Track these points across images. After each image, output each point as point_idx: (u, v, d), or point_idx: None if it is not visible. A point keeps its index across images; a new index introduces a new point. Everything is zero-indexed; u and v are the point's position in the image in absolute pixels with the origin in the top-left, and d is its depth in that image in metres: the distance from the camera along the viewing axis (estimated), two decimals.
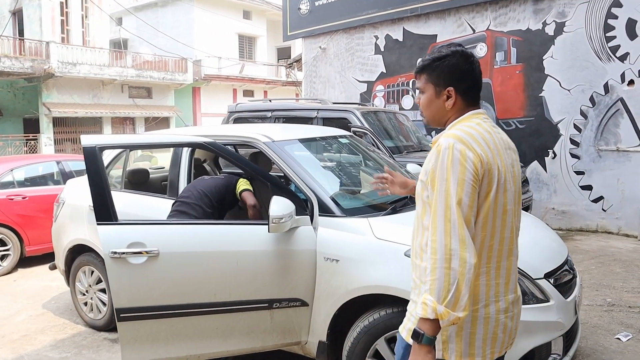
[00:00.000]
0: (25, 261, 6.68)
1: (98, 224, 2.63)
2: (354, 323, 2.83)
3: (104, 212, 2.63)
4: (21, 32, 20.43)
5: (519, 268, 2.73)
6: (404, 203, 3.29)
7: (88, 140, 2.70)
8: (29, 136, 19.22)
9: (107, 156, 4.40)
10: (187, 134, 3.47)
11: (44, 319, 4.70)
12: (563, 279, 2.97)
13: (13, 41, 18.48)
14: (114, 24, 24.34)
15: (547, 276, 2.81)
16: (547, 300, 2.71)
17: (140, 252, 2.64)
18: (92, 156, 2.66)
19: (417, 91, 1.83)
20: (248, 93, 27.04)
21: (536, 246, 3.06)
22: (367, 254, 2.78)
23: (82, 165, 6.89)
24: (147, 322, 2.73)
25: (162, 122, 23.22)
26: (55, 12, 20.14)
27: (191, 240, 2.74)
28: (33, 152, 18.64)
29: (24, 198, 6.65)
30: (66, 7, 20.83)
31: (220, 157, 3.09)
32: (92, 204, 2.69)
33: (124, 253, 2.62)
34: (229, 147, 3.51)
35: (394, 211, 3.13)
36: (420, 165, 5.08)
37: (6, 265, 6.45)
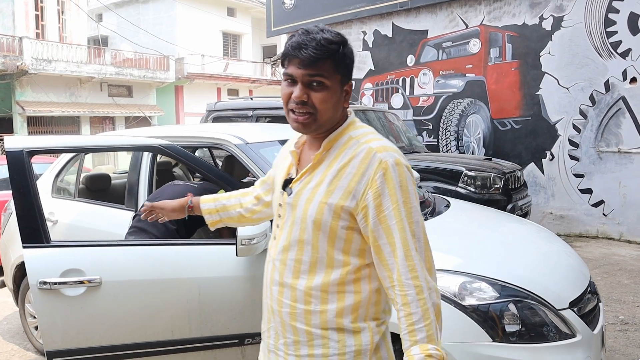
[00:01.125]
0: None
1: (24, 247, 2.11)
2: None
3: (32, 232, 2.11)
4: None
5: (539, 296, 2.30)
6: None
7: (13, 142, 2.18)
8: (2, 136, 18.43)
9: (61, 158, 3.88)
10: (147, 134, 2.95)
11: None
12: (588, 306, 2.52)
13: None
14: (93, 20, 23.61)
15: (572, 305, 2.36)
16: (574, 335, 2.26)
17: (77, 282, 2.12)
18: (18, 162, 2.14)
19: (299, 83, 1.32)
20: (233, 92, 26.44)
21: (557, 269, 2.61)
22: None
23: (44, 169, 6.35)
24: None
25: (143, 122, 22.53)
26: (30, 7, 19.34)
27: (142, 265, 2.22)
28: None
29: None
30: (41, 2, 20.05)
31: (177, 161, 2.56)
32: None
33: (56, 283, 2.10)
34: (189, 149, 2.99)
35: None
36: (421, 171, 4.61)
37: None
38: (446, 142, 8.55)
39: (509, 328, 2.20)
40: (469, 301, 2.22)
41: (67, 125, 20.39)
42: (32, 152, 2.21)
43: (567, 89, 7.32)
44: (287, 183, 1.42)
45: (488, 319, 2.18)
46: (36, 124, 19.36)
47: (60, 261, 2.13)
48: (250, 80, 26.86)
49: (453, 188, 5.54)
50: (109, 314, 2.18)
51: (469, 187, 5.56)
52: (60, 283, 2.10)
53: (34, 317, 3.82)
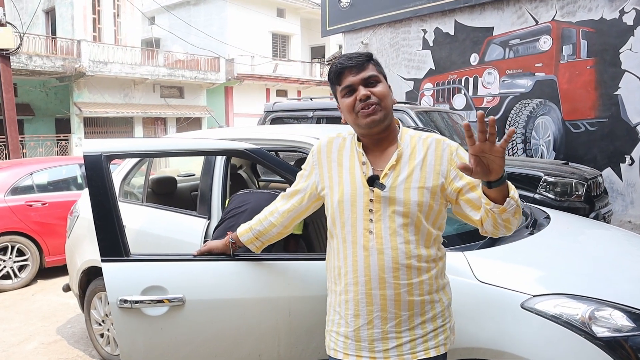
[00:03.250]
0: (45, 272, 6.13)
1: (103, 261, 1.94)
2: None
3: (112, 244, 1.93)
4: (54, 31, 20.26)
5: None
6: None
7: (92, 146, 2.01)
8: (60, 136, 18.99)
9: (128, 160, 3.75)
10: (222, 137, 2.76)
11: (56, 348, 4.08)
12: None
13: (45, 40, 18.27)
14: (146, 22, 24.07)
15: None
16: None
17: (160, 301, 1.93)
18: (96, 167, 1.97)
19: (359, 86, 1.63)
20: (281, 93, 26.45)
21: None
22: (467, 304, 2.02)
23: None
24: None
25: (194, 123, 22.81)
26: (87, 11, 19.88)
27: (226, 282, 2.01)
28: (64, 153, 18.40)
29: (43, 204, 6.10)
30: (98, 6, 20.56)
31: (267, 168, 2.34)
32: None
33: (137, 302, 1.91)
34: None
35: (494, 241, 2.36)
36: None
37: (25, 277, 5.92)
38: (513, 144, 8.10)
39: None
40: (600, 332, 1.90)
41: (121, 125, 20.84)
42: (111, 157, 2.04)
43: None
44: (372, 180, 1.60)
45: (624, 353, 1.86)
46: (92, 124, 19.87)
47: (141, 277, 1.95)
48: (299, 81, 26.80)
49: (531, 195, 5.15)
50: (192, 335, 1.97)
51: (548, 194, 5.16)
52: (141, 302, 1.91)
53: (100, 324, 3.71)
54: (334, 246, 1.71)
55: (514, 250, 2.35)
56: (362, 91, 1.60)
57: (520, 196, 5.14)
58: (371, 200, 1.61)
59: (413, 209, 1.59)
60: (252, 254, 2.01)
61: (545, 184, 5.19)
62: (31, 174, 6.27)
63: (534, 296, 1.96)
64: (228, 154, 2.53)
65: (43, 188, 6.32)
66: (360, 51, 1.71)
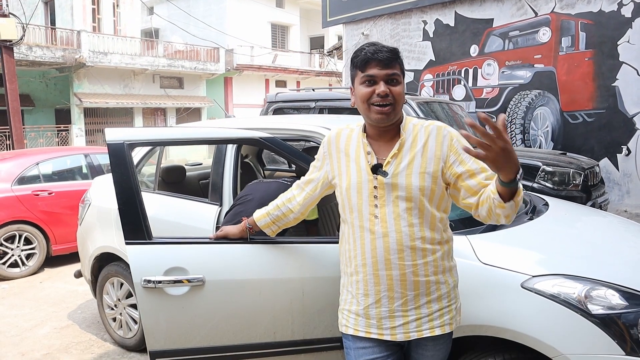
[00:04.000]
0: (52, 260, 6.24)
1: (127, 244, 2.05)
2: None
3: (135, 228, 2.04)
4: (53, 22, 20.22)
5: None
6: None
7: (115, 134, 2.11)
8: (60, 127, 19.02)
9: (140, 149, 3.85)
10: (234, 126, 2.86)
11: (68, 332, 4.20)
12: None
13: (45, 30, 18.24)
14: (146, 12, 24.01)
15: None
16: None
17: (181, 281, 2.04)
18: (119, 155, 2.08)
19: (381, 82, 1.68)
20: (281, 83, 26.46)
21: None
22: (471, 284, 2.13)
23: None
24: None
25: (193, 113, 22.84)
26: (87, 1, 19.84)
27: (243, 264, 2.12)
28: (65, 143, 18.44)
29: (50, 194, 6.20)
30: None
31: (281, 156, 2.45)
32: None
33: (160, 282, 2.02)
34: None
35: (495, 226, 2.47)
36: None
37: (32, 265, 6.04)
38: (511, 135, 8.21)
39: None
40: (596, 309, 2.02)
41: (121, 116, 20.87)
42: (133, 145, 2.14)
43: None
44: (375, 168, 1.70)
45: (618, 330, 1.98)
46: (92, 115, 19.90)
47: (163, 259, 2.06)
48: (299, 71, 26.81)
49: (529, 184, 5.26)
50: (211, 314, 2.09)
51: (545, 183, 5.28)
52: (164, 282, 2.03)
53: (112, 309, 3.83)
54: (345, 231, 1.82)
55: (514, 235, 2.46)
56: (382, 87, 1.66)
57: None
58: (375, 187, 1.70)
59: (415, 194, 1.67)
60: (267, 237, 2.12)
61: (543, 173, 5.30)
62: (37, 164, 6.36)
63: (533, 276, 2.08)
64: (244, 142, 2.64)
65: (49, 178, 6.42)
66: (392, 47, 1.72)
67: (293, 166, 4.69)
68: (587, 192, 5.40)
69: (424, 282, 1.73)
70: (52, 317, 4.58)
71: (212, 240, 2.14)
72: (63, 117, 19.88)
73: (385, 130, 1.76)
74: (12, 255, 5.92)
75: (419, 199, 1.69)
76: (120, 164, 2.08)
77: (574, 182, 5.32)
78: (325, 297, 2.15)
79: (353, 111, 5.91)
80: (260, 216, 2.08)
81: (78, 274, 4.37)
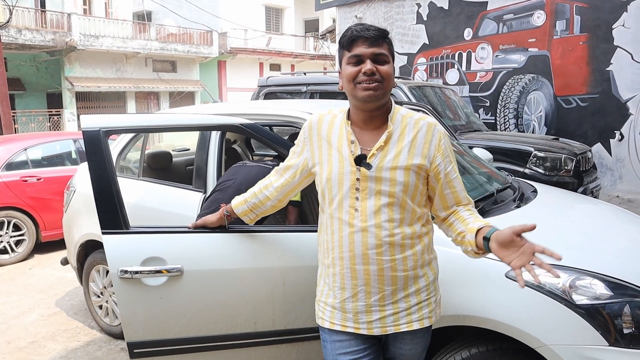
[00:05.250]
0: (42, 247, 6.21)
1: (104, 234, 2.00)
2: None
3: (112, 217, 2.00)
4: (43, 4, 19.90)
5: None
6: (492, 202, 2.60)
7: (90, 121, 2.05)
8: (52, 111, 18.84)
9: (124, 135, 3.79)
10: (217, 112, 2.80)
11: (56, 320, 4.17)
12: None
13: (35, 13, 17.97)
14: None
15: None
16: None
17: (158, 271, 2.00)
18: (95, 142, 2.02)
19: (367, 60, 1.62)
20: (275, 67, 26.25)
21: None
22: (454, 273, 2.10)
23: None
24: (168, 359, 2.11)
25: (187, 97, 22.66)
26: None
27: (223, 253, 2.08)
28: (56, 128, 18.28)
29: (38, 179, 6.14)
30: None
31: (261, 142, 2.39)
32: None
33: (137, 272, 1.98)
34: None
35: (482, 214, 2.43)
36: (489, 151, 4.32)
37: (21, 252, 6.00)
38: (504, 120, 8.16)
39: (626, 330, 1.97)
40: (580, 300, 1.99)
41: (114, 100, 20.69)
42: (109, 132, 2.08)
43: None
44: (359, 160, 1.63)
45: (602, 320, 1.96)
46: (84, 99, 19.70)
47: (140, 249, 2.01)
48: (293, 55, 26.58)
49: (520, 169, 5.23)
50: (190, 304, 2.06)
51: (537, 169, 5.25)
52: (141, 272, 1.98)
53: (98, 296, 3.80)
54: (323, 220, 1.76)
55: (500, 223, 2.40)
56: (369, 65, 1.59)
57: (510, 171, 5.16)
58: (358, 179, 1.64)
59: (398, 189, 1.63)
60: (246, 226, 2.08)
61: (535, 158, 5.27)
62: (25, 150, 6.29)
63: None
64: (223, 129, 2.58)
65: (38, 163, 6.35)
66: (378, 26, 1.67)
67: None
68: (578, 177, 5.38)
69: (403, 276, 1.69)
70: (40, 304, 4.55)
71: (191, 229, 2.10)
72: (55, 101, 19.69)
73: (371, 116, 1.68)
74: (1, 241, 5.88)
75: (402, 195, 1.64)
76: (96, 151, 2.03)
77: (566, 167, 5.29)
78: (307, 287, 2.11)
79: (345, 96, 5.85)
80: (238, 203, 2.01)
81: (64, 262, 4.34)
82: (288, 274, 2.12)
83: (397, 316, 1.70)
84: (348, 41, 1.63)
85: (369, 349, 1.75)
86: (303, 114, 2.60)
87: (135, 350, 2.05)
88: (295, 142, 1.90)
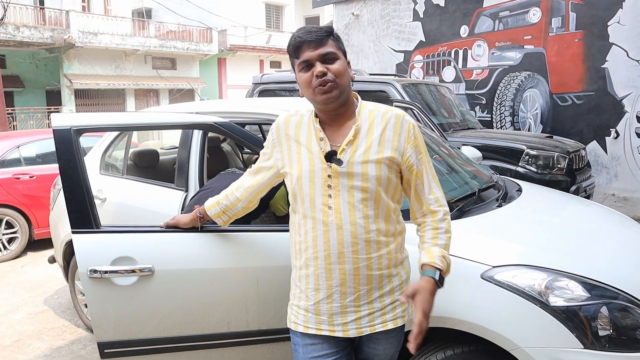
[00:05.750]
0: (36, 244, 6.19)
1: (73, 233, 1.98)
2: None
3: (81, 216, 1.98)
4: (42, 2, 19.89)
5: (632, 296, 2.04)
6: (473, 201, 2.57)
7: (61, 120, 2.02)
8: (50, 108, 18.84)
9: (110, 133, 3.77)
10: (195, 110, 2.77)
11: (42, 318, 4.16)
12: None
13: (33, 10, 17.96)
14: None
15: None
16: None
17: (128, 271, 1.98)
18: (66, 142, 2.00)
19: (316, 62, 1.61)
20: (275, 64, 26.21)
21: None
22: None
23: (94, 142, 6.33)
24: (139, 359, 2.09)
25: (186, 94, 22.64)
26: None
27: (195, 253, 2.06)
28: None
29: (31, 177, 6.13)
30: None
31: (235, 141, 2.38)
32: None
33: (107, 272, 1.96)
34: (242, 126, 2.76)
35: (462, 213, 2.41)
36: (477, 149, 4.29)
37: (14, 249, 5.99)
38: (500, 117, 8.13)
39: (602, 332, 1.94)
40: (556, 302, 1.96)
41: (113, 97, 20.68)
42: (81, 130, 2.06)
43: (637, 61, 6.78)
44: (329, 156, 1.61)
45: (577, 322, 1.93)
46: (83, 96, 19.70)
47: (110, 248, 1.99)
48: None
49: (513, 168, 5.20)
50: (161, 304, 2.03)
51: (530, 167, 5.22)
52: (111, 272, 1.96)
53: (84, 295, 3.78)
54: (295, 221, 1.73)
55: (480, 223, 2.40)
56: (319, 67, 1.58)
57: (503, 169, 5.13)
58: (329, 176, 1.62)
59: (372, 183, 1.61)
60: (220, 226, 2.05)
61: (527, 157, 5.24)
62: (18, 147, 6.27)
63: (493, 267, 2.01)
64: (197, 127, 2.56)
65: (31, 161, 6.34)
66: (322, 25, 1.69)
67: None
68: (571, 176, 5.35)
69: (377, 275, 1.67)
70: (28, 302, 4.54)
71: (162, 228, 2.07)
72: (54, 98, 19.69)
73: (337, 114, 1.67)
74: None
75: (375, 189, 1.62)
76: (67, 150, 2.00)
77: (559, 165, 5.26)
78: (281, 287, 2.08)
79: None
80: (211, 205, 1.99)
81: (52, 260, 4.32)
82: (262, 274, 2.10)
83: (372, 316, 1.69)
84: (294, 48, 1.63)
85: (341, 351, 1.73)
86: (278, 111, 2.58)
87: (105, 350, 2.03)
88: (264, 144, 1.87)
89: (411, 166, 1.66)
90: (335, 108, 1.65)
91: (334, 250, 1.63)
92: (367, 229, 1.63)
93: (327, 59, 1.60)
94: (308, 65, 1.61)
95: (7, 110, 12.38)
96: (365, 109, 1.69)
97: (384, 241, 1.66)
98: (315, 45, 1.60)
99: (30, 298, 4.64)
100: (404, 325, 1.79)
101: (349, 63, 1.70)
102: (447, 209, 1.74)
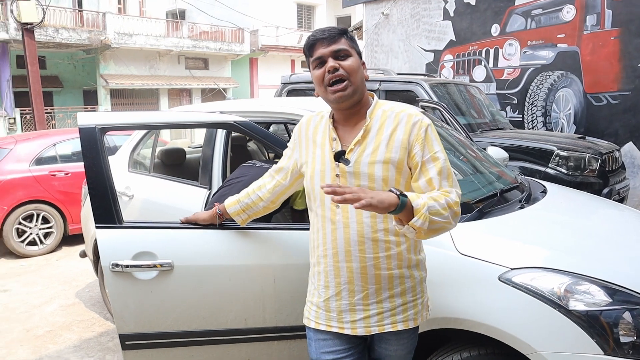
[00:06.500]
0: (69, 239, 6.40)
1: (97, 228, 2.05)
2: None
3: (104, 212, 2.04)
4: (80, 4, 20.46)
5: None
6: (493, 202, 2.54)
7: (87, 119, 2.09)
8: (87, 108, 19.38)
9: (138, 132, 3.86)
10: (218, 110, 2.82)
11: (73, 310, 4.30)
12: None
13: (72, 13, 18.49)
14: None
15: None
16: None
17: (149, 265, 2.03)
18: (90, 140, 2.06)
19: (329, 58, 1.64)
20: (306, 64, 26.29)
21: None
22: (446, 275, 2.06)
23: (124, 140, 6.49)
24: (159, 351, 2.15)
25: (218, 94, 22.94)
26: None
27: (213, 249, 2.10)
28: None
29: (66, 174, 6.33)
30: None
31: (256, 140, 2.41)
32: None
33: (128, 266, 2.02)
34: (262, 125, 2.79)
35: (482, 214, 2.38)
36: (506, 149, 4.22)
37: (50, 244, 6.21)
38: (532, 118, 7.97)
39: (623, 339, 1.89)
40: (576, 306, 1.92)
41: (147, 97, 21.11)
42: (105, 129, 2.12)
43: None
44: (338, 156, 1.64)
45: (598, 328, 1.88)
46: (118, 96, 20.18)
47: (132, 243, 2.05)
48: None
49: (542, 169, 5.10)
50: (180, 299, 2.08)
51: (560, 168, 5.10)
52: (132, 266, 2.02)
53: None
54: (311, 219, 1.77)
55: (500, 224, 2.37)
56: (331, 63, 1.61)
57: (532, 170, 5.03)
58: (337, 176, 1.64)
59: (378, 184, 1.61)
60: (237, 224, 2.09)
61: (557, 158, 5.12)
62: (54, 145, 6.48)
63: (512, 269, 1.98)
64: (217, 126, 2.60)
65: (66, 158, 6.54)
66: (336, 26, 1.73)
67: None
68: (604, 178, 5.20)
69: (386, 275, 1.67)
70: (61, 294, 4.69)
71: (181, 224, 2.12)
72: (90, 98, 20.24)
73: (350, 113, 1.69)
74: (31, 233, 6.09)
75: (382, 190, 1.60)
76: (92, 148, 2.07)
77: (590, 167, 5.12)
78: (298, 285, 2.10)
79: None
80: (231, 203, 2.03)
81: (83, 254, 4.46)
82: (278, 272, 2.13)
83: (381, 316, 1.69)
84: (308, 47, 1.68)
85: (353, 349, 1.74)
86: (301, 111, 2.60)
87: (126, 342, 2.09)
88: (288, 144, 1.91)
89: (417, 164, 1.64)
90: (349, 107, 1.66)
91: (341, 249, 1.65)
92: (374, 228, 1.63)
93: (340, 55, 1.63)
94: (321, 62, 1.64)
95: (46, 109, 12.78)
96: (380, 109, 1.70)
97: (393, 241, 1.65)
98: (328, 43, 1.63)
99: (63, 291, 4.79)
100: (416, 328, 1.79)
101: (363, 63, 1.71)
102: (457, 200, 1.59)
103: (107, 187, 2.05)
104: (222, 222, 2.11)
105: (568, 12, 7.47)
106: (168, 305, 2.07)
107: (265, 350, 2.21)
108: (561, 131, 7.66)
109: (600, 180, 5.16)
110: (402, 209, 1.44)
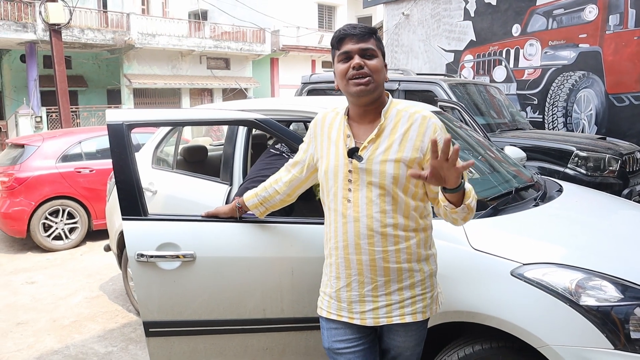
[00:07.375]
0: (93, 234, 6.56)
1: (123, 219, 2.14)
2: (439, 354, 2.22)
3: (130, 204, 2.13)
4: (105, 5, 20.85)
5: None
6: (508, 200, 2.58)
7: (114, 115, 2.19)
8: (111, 107, 19.72)
9: (161, 129, 3.97)
10: (238, 108, 2.91)
11: (97, 302, 4.43)
12: None
13: (97, 14, 18.86)
14: None
15: None
16: None
17: (173, 256, 2.12)
18: (118, 135, 2.16)
19: (355, 55, 1.68)
20: (327, 64, 26.35)
21: None
22: (460, 270, 2.11)
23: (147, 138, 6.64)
24: (181, 339, 2.24)
25: (239, 94, 23.13)
26: None
27: (233, 242, 2.18)
28: None
29: (91, 171, 6.50)
30: None
31: (275, 137, 2.49)
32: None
33: (153, 256, 2.11)
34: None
35: (496, 211, 2.43)
36: (525, 149, 4.22)
37: (74, 238, 6.38)
38: (553, 118, 7.92)
39: (634, 335, 1.92)
40: (587, 301, 1.95)
41: (169, 96, 21.40)
42: (132, 125, 2.22)
43: None
44: (351, 152, 1.69)
45: (609, 323, 1.91)
46: (141, 95, 20.50)
47: (156, 234, 2.14)
48: None
49: (561, 169, 5.08)
50: (202, 289, 2.17)
51: (579, 169, 5.08)
52: (156, 256, 2.11)
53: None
54: (325, 213, 1.84)
55: (514, 220, 2.41)
56: (357, 59, 1.66)
57: (551, 170, 5.02)
58: (350, 171, 1.70)
59: (388, 181, 1.66)
60: (257, 217, 2.17)
61: (577, 158, 5.11)
62: (80, 142, 6.66)
63: (524, 264, 2.03)
64: (239, 123, 2.69)
65: (91, 155, 6.71)
66: (367, 25, 1.76)
67: None
68: (624, 179, 5.17)
69: (395, 268, 1.73)
70: (86, 287, 4.84)
71: (204, 218, 2.21)
72: (114, 97, 20.61)
73: (366, 110, 1.74)
74: (57, 228, 6.27)
75: (392, 187, 1.68)
76: (119, 144, 2.17)
77: (610, 168, 5.09)
78: (314, 277, 2.16)
79: None
80: (249, 197, 2.11)
81: (107, 248, 4.59)
82: (296, 264, 2.20)
83: (390, 308, 1.75)
84: (337, 40, 1.71)
85: (363, 338, 1.81)
86: (317, 109, 2.67)
87: (150, 330, 2.18)
88: (304, 139, 1.97)
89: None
90: (367, 103, 1.72)
91: (351, 241, 1.71)
92: (384, 222, 1.69)
93: (366, 54, 1.68)
94: (347, 57, 1.68)
95: (72, 108, 13.06)
96: (394, 109, 1.75)
97: (402, 235, 1.71)
98: (357, 40, 1.67)
99: (87, 284, 4.94)
100: (425, 321, 1.84)
101: (386, 65, 1.76)
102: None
103: (133, 180, 2.15)
104: (242, 215, 2.19)
105: (590, 12, 7.42)
106: (190, 295, 2.16)
107: (283, 340, 2.29)
108: (582, 132, 7.61)
109: (620, 181, 5.13)
110: (461, 188, 1.58)
